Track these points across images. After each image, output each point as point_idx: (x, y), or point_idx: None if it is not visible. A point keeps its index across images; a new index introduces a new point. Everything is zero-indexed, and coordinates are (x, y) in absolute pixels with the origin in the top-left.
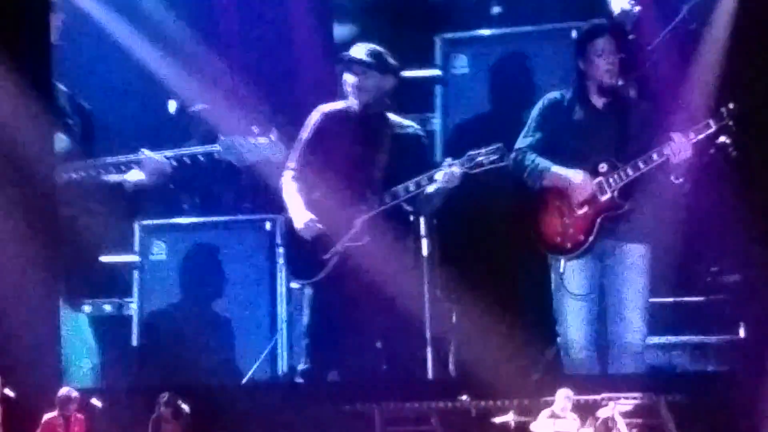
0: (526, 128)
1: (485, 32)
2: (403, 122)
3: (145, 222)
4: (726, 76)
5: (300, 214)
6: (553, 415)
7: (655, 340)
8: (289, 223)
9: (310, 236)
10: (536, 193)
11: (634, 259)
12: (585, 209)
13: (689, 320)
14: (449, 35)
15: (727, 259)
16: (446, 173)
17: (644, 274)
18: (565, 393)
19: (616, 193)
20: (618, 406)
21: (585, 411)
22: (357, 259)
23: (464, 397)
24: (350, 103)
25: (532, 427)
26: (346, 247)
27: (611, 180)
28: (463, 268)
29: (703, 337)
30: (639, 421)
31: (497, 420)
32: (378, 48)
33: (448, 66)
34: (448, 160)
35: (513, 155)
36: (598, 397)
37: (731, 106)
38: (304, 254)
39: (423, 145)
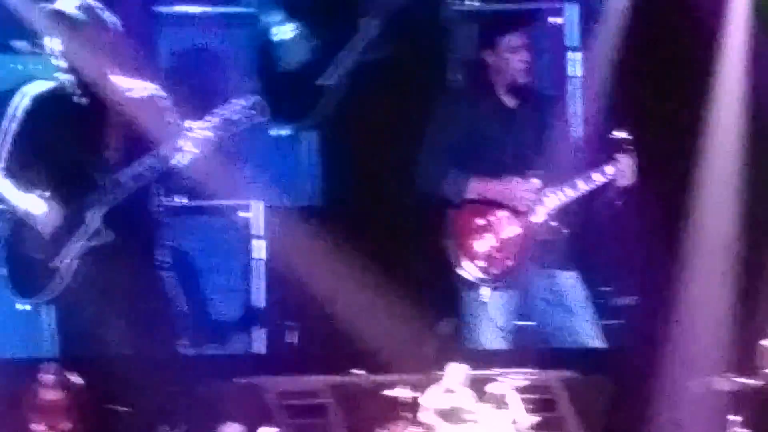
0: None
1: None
2: (134, 84)
3: None
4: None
5: (34, 206)
6: (447, 390)
7: None
8: (5, 233)
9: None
10: (454, 208)
11: (568, 284)
12: (516, 231)
13: None
14: None
15: (624, 281)
16: (195, 140)
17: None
18: (459, 367)
19: (551, 216)
20: (511, 382)
21: (479, 386)
22: (100, 260)
23: (357, 371)
24: (62, 75)
25: (424, 401)
26: (84, 248)
27: (545, 200)
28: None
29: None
30: (532, 396)
31: (390, 393)
32: (89, 0)
33: None
34: (194, 123)
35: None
36: (491, 372)
37: None
38: (28, 266)
39: (160, 108)
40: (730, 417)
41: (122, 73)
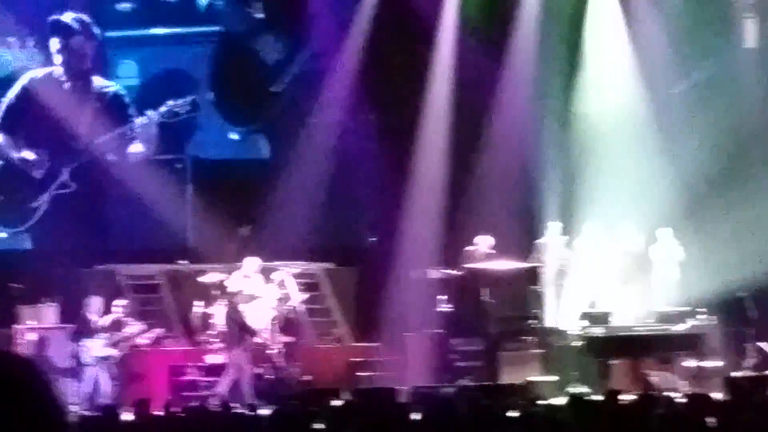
0: None
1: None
2: (106, 84)
3: None
4: None
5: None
6: (245, 276)
7: None
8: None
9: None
10: None
11: None
12: None
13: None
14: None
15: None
16: (145, 122)
17: None
18: (253, 260)
19: None
20: (288, 270)
21: (266, 273)
22: (66, 203)
23: (183, 261)
24: (55, 67)
25: (228, 284)
26: (54, 195)
27: None
28: None
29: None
30: (304, 281)
31: (203, 279)
32: (84, 16)
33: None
34: (150, 112)
35: None
36: (275, 263)
37: None
38: (13, 204)
39: (125, 103)
40: (439, 296)
41: (99, 74)
